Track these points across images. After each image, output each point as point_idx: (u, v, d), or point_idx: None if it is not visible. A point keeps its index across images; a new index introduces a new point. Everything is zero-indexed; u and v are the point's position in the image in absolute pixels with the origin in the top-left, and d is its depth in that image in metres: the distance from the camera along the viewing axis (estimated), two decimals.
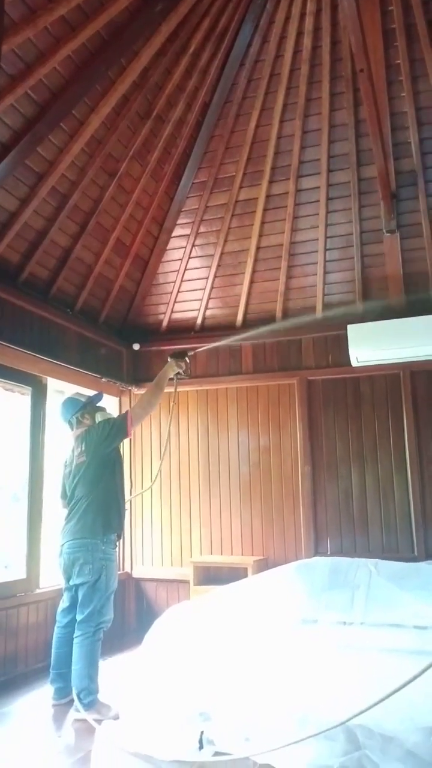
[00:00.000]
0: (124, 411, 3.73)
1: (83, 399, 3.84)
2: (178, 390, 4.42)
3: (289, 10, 4.17)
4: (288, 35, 4.27)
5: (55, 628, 3.56)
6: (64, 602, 3.56)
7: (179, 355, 4.02)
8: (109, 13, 3.56)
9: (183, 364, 3.98)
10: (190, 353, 4.16)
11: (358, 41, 3.08)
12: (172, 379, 4.02)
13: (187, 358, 4.03)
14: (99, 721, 3.09)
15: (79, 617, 3.38)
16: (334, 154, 4.70)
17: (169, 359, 4.00)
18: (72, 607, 3.48)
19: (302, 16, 4.18)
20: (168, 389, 4.06)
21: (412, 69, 4.22)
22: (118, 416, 3.75)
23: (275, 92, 4.52)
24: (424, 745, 2.40)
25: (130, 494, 5.25)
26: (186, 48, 4.14)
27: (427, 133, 4.44)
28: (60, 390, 4.82)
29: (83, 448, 3.61)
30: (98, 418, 3.76)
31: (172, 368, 3.94)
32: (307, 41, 4.26)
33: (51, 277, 4.60)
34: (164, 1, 3.76)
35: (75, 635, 3.35)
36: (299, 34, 4.26)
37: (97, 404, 3.92)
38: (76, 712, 3.22)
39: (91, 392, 4.27)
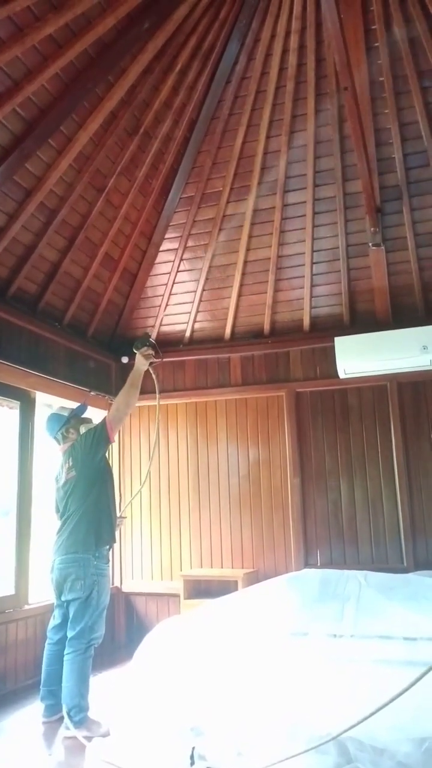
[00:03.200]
0: (102, 419, 3.64)
1: (67, 414, 3.82)
2: (159, 401, 4.44)
3: (275, 28, 4.23)
4: (273, 53, 4.33)
5: (46, 645, 3.52)
6: (55, 619, 3.52)
7: (141, 342, 3.76)
8: (97, 32, 3.61)
9: (150, 350, 3.73)
10: (149, 332, 4.00)
11: (342, 59, 3.15)
12: (147, 370, 3.81)
13: (151, 340, 3.78)
14: (89, 739, 3.07)
15: (70, 633, 3.34)
16: (320, 170, 4.76)
17: (134, 351, 3.76)
18: (63, 624, 3.44)
19: (287, 34, 4.24)
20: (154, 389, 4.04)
21: (395, 85, 4.29)
22: (98, 424, 3.67)
23: (261, 109, 4.57)
24: (415, 755, 2.40)
25: (120, 506, 5.22)
26: (173, 65, 4.19)
27: (410, 148, 4.52)
28: (49, 404, 4.82)
29: (71, 463, 3.60)
30: (82, 430, 3.74)
31: (141, 362, 3.72)
32: (292, 59, 4.32)
33: (39, 291, 4.60)
34: (151, 20, 3.81)
35: (66, 652, 3.31)
36: (284, 51, 4.32)
37: (82, 416, 3.89)
38: (66, 729, 3.19)
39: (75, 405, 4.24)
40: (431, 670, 2.10)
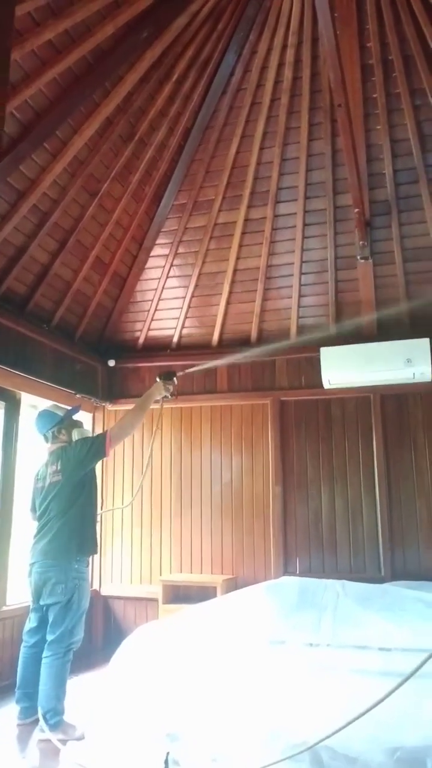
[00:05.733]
0: (103, 431, 3.66)
1: (60, 413, 3.79)
2: (162, 413, 4.54)
3: (272, 41, 4.29)
4: (269, 66, 4.39)
5: (21, 648, 3.49)
6: (31, 622, 3.50)
7: (168, 376, 3.97)
8: (96, 39, 3.64)
9: (170, 386, 3.95)
10: (179, 374, 4.12)
11: (336, 77, 3.20)
12: (158, 400, 4.00)
13: (175, 379, 4.00)
14: (64, 742, 3.07)
15: (49, 637, 3.33)
16: (312, 182, 4.82)
17: (157, 379, 3.96)
18: (40, 628, 3.43)
19: (284, 48, 4.30)
20: (154, 405, 4.07)
21: (388, 102, 4.37)
22: (97, 437, 3.69)
23: (255, 120, 4.63)
24: (387, 765, 2.44)
25: (101, 509, 5.23)
26: (170, 75, 4.23)
27: (401, 165, 4.59)
28: (34, 405, 4.82)
29: (59, 467, 3.56)
30: (75, 434, 3.72)
31: (159, 390, 3.90)
32: (287, 72, 4.38)
33: (28, 292, 4.61)
34: (149, 29, 3.84)
35: (44, 655, 3.31)
36: (280, 65, 4.38)
37: (74, 417, 3.89)
38: (41, 732, 3.19)
39: (66, 406, 4.25)
40: (429, 659, 2.12)
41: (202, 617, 3.72)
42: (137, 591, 5.32)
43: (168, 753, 2.71)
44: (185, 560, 5.31)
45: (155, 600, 5.04)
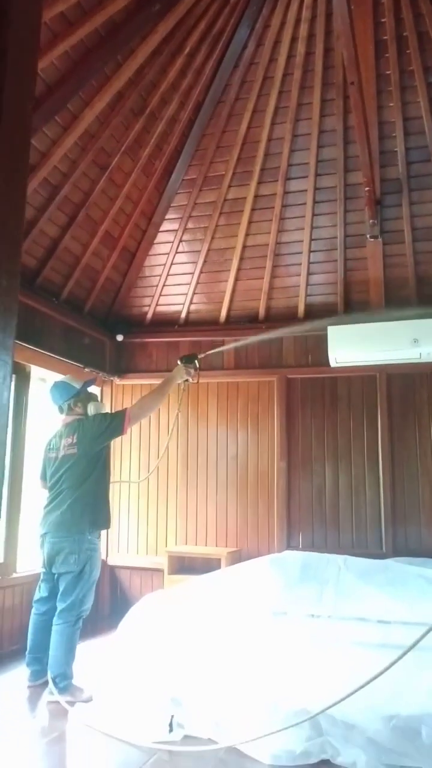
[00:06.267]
0: (123, 409, 3.72)
1: (77, 385, 3.80)
2: (182, 397, 4.60)
3: (285, 15, 4.23)
4: (282, 40, 4.34)
5: (32, 615, 3.59)
6: (41, 592, 3.57)
7: (189, 359, 3.93)
8: (108, 12, 3.61)
9: (192, 370, 3.91)
10: (201, 356, 4.05)
11: (350, 55, 3.18)
12: (180, 384, 3.98)
13: (197, 362, 3.95)
14: (72, 704, 3.19)
15: (60, 606, 3.42)
16: (323, 159, 4.80)
17: (179, 363, 3.93)
18: (50, 598, 3.51)
19: (297, 22, 4.25)
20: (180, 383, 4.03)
21: (401, 80, 4.33)
22: (117, 414, 3.71)
23: (267, 95, 4.59)
24: (383, 732, 2.54)
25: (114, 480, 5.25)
26: (182, 48, 4.19)
27: (413, 143, 4.56)
28: (42, 378, 4.89)
29: (75, 440, 3.59)
30: (90, 408, 3.74)
31: (180, 374, 3.88)
32: (300, 47, 4.33)
33: (38, 266, 4.64)
34: (162, 2, 3.80)
35: (55, 622, 3.40)
36: (293, 39, 4.33)
37: (88, 389, 3.92)
38: (51, 695, 3.31)
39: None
40: (429, 632, 2.20)
41: (206, 587, 3.82)
42: (143, 561, 5.44)
43: (173, 716, 2.82)
44: (191, 533, 5.41)
45: (161, 570, 5.15)
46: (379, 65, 4.27)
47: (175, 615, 3.43)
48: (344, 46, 3.15)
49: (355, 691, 2.33)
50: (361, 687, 2.32)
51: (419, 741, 2.47)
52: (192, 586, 3.92)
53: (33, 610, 3.61)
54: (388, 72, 4.30)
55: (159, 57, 4.14)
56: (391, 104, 4.42)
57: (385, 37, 4.18)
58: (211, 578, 4.03)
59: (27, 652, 3.56)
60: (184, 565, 5.17)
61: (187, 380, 3.95)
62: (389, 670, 2.30)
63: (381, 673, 2.27)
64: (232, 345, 4.98)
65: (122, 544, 5.56)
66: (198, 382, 4.18)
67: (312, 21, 4.23)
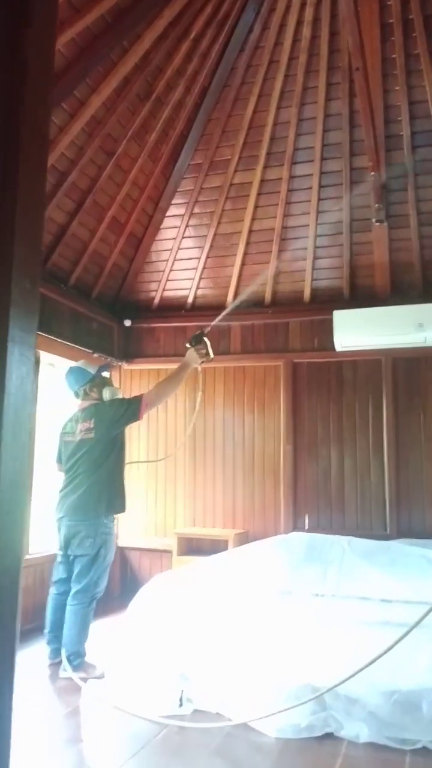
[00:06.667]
0: (140, 395, 3.72)
1: (92, 370, 3.84)
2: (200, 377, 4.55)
3: None
4: (288, 24, 4.33)
5: (50, 595, 3.67)
6: (59, 573, 3.64)
7: (197, 339, 3.81)
8: None
9: (204, 350, 3.78)
10: (206, 330, 3.90)
11: (355, 41, 3.19)
12: (196, 367, 3.89)
13: (205, 339, 3.81)
14: (85, 680, 3.30)
15: (75, 587, 3.49)
16: (328, 143, 4.80)
17: (187, 346, 3.83)
18: (68, 578, 3.58)
19: (303, 5, 4.23)
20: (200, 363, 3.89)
21: (407, 63, 4.30)
22: (133, 399, 3.71)
23: (273, 79, 4.58)
24: (384, 707, 2.63)
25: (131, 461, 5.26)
26: (188, 32, 4.19)
27: (418, 126, 4.55)
28: (52, 363, 4.95)
29: (92, 425, 3.63)
30: (106, 393, 3.79)
31: (194, 358, 3.78)
32: (306, 31, 4.32)
33: (46, 252, 4.68)
34: None
35: (70, 603, 3.48)
36: (299, 23, 4.32)
37: (103, 374, 3.95)
38: (64, 671, 3.42)
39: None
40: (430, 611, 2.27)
41: (214, 568, 3.91)
42: (153, 543, 5.54)
43: (182, 691, 2.92)
44: (198, 514, 5.51)
45: (169, 552, 5.26)
46: (384, 49, 4.24)
47: (184, 595, 3.53)
48: (349, 33, 3.16)
49: (363, 668, 2.41)
50: (368, 665, 2.40)
51: (419, 714, 2.56)
52: (200, 567, 4.01)
53: (52, 590, 3.68)
54: (393, 56, 4.28)
55: (165, 42, 4.14)
56: (397, 88, 4.40)
57: (391, 21, 4.16)
58: (218, 559, 4.13)
59: (47, 631, 3.64)
60: (193, 547, 5.28)
61: (203, 361, 3.82)
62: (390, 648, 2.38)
63: (387, 650, 2.35)
64: (229, 309, 4.71)
65: (132, 525, 5.66)
66: (212, 360, 3.97)
67: (317, 4, 4.21)
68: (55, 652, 3.60)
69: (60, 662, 3.54)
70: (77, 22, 3.57)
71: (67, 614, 3.48)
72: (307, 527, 5.17)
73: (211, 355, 3.86)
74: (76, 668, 3.39)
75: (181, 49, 4.26)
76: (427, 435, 5.05)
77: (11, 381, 0.81)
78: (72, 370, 3.89)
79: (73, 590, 3.51)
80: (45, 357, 4.85)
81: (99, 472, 3.58)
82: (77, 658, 3.43)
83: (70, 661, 3.41)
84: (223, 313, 4.46)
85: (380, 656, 2.38)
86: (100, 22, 3.72)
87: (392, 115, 4.53)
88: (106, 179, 4.68)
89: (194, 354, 3.79)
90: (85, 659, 3.47)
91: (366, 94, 3.54)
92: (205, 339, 3.82)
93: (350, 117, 4.63)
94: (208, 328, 3.97)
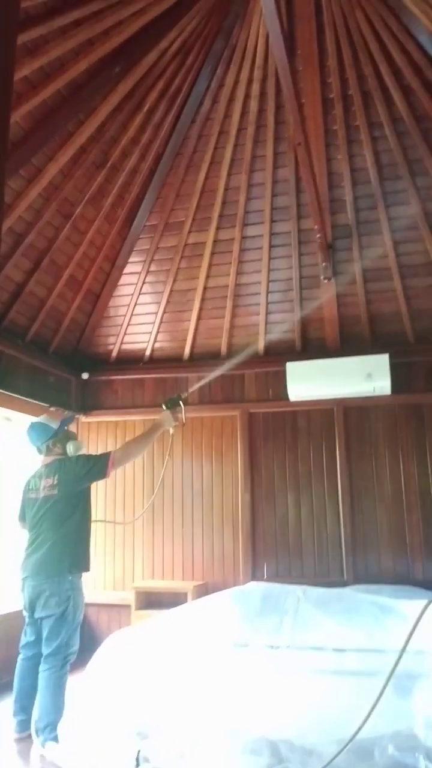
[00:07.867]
0: (107, 452, 3.66)
1: (54, 425, 3.73)
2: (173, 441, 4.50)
3: (238, 75, 4.52)
4: (236, 98, 4.62)
5: (19, 661, 3.52)
6: (27, 636, 3.51)
7: (174, 403, 3.83)
8: (70, 74, 3.83)
9: (179, 413, 3.81)
10: (184, 395, 3.94)
11: (295, 119, 3.43)
12: (168, 430, 3.87)
13: (182, 403, 3.83)
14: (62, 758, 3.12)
15: (46, 650, 3.35)
16: (277, 207, 5.07)
17: (163, 407, 3.83)
18: (36, 642, 3.45)
19: (249, 81, 4.53)
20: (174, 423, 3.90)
21: (347, 134, 4.63)
22: (101, 457, 3.61)
23: (223, 148, 4.85)
24: (340, 756, 2.67)
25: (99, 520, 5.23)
26: (141, 105, 4.43)
27: (360, 191, 4.86)
28: (8, 417, 4.98)
29: (55, 481, 3.53)
30: (70, 447, 3.71)
31: (168, 420, 3.78)
32: (253, 104, 4.62)
33: (3, 310, 4.76)
34: (122, 65, 4.04)
35: (42, 668, 3.34)
36: (246, 97, 4.61)
37: (66, 427, 3.84)
38: (42, 747, 3.22)
39: (41, 418, 4.06)
40: (425, 612, 2.30)
41: (171, 623, 3.93)
42: (111, 597, 5.50)
43: (139, 750, 2.92)
44: (157, 567, 5.51)
45: (128, 606, 5.23)
46: (327, 121, 4.57)
47: (141, 652, 3.53)
48: (290, 111, 3.40)
49: (364, 722, 2.43)
50: (368, 716, 2.42)
51: (372, 762, 2.62)
52: (157, 623, 4.02)
53: (20, 656, 3.52)
54: (335, 128, 4.60)
55: (120, 114, 4.37)
56: (339, 156, 4.72)
57: (332, 96, 4.49)
58: (175, 614, 4.14)
59: (14, 701, 3.48)
60: (152, 600, 5.26)
61: (176, 425, 3.83)
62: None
63: (377, 700, 2.39)
64: (212, 375, 4.98)
65: (89, 580, 5.57)
66: (184, 425, 3.99)
67: (263, 81, 4.52)
68: (22, 725, 3.42)
69: (28, 736, 3.36)
70: (34, 96, 3.76)
71: (39, 681, 3.32)
72: (266, 576, 5.23)
73: (184, 421, 3.88)
74: (53, 740, 3.21)
75: (135, 121, 4.50)
76: (380, 480, 5.21)
77: None
78: (33, 426, 3.77)
79: (44, 654, 3.35)
80: (1, 412, 4.88)
81: (63, 529, 3.47)
82: (53, 731, 3.22)
83: (47, 732, 3.22)
84: (201, 382, 4.70)
85: (374, 706, 2.42)
86: (57, 97, 3.92)
87: (336, 182, 4.83)
88: (63, 240, 4.83)
89: (169, 416, 3.80)
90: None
91: (308, 166, 3.78)
92: (182, 404, 3.84)
93: (296, 182, 4.91)
94: (186, 394, 4.02)
